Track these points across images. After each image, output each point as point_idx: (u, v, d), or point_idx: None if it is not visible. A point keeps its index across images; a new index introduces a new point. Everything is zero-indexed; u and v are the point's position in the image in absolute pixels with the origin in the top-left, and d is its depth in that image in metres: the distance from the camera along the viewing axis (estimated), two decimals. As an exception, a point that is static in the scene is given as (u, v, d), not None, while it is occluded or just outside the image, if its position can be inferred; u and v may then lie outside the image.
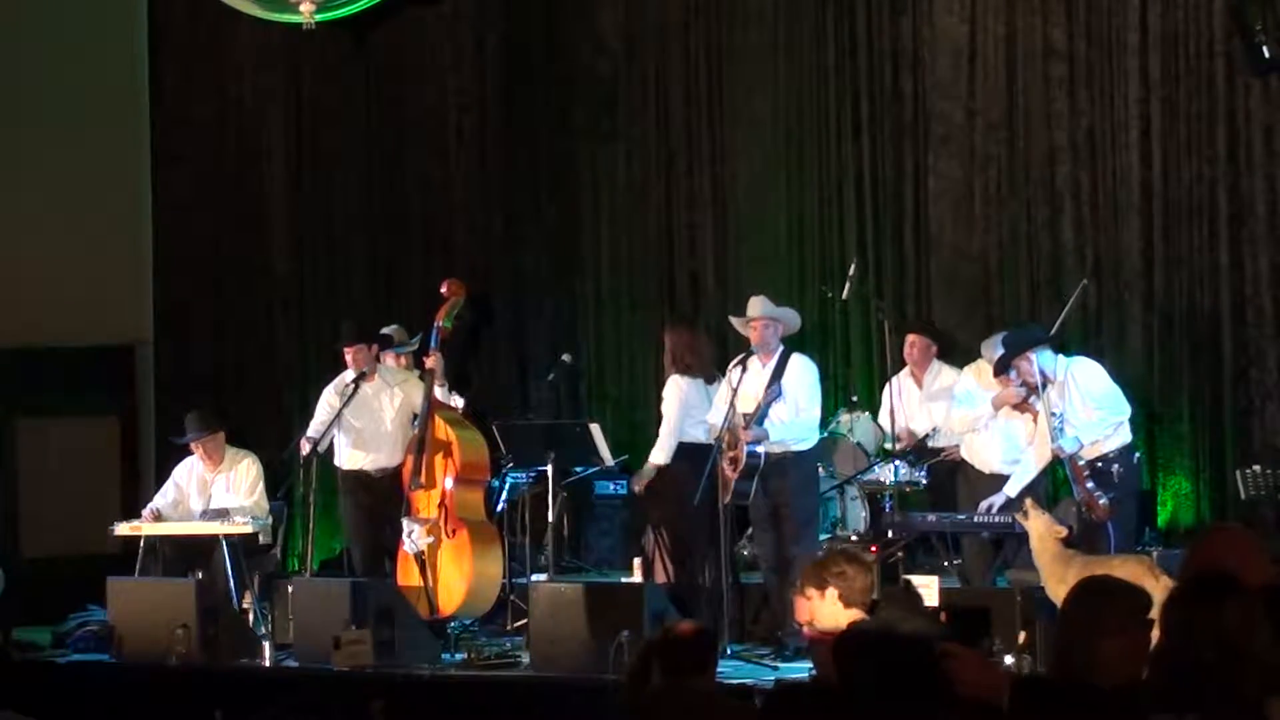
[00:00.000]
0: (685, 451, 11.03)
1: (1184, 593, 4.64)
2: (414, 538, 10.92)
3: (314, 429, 11.59)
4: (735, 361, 10.79)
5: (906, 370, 11.66)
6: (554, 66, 13.96)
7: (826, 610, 6.79)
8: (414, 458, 11.11)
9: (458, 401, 11.84)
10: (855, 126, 12.80)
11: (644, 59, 13.65)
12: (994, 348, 10.61)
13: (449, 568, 10.94)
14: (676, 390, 11.09)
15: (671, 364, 11.21)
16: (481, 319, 13.51)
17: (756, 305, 10.91)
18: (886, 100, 12.70)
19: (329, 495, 12.80)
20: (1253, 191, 11.53)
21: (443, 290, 11.59)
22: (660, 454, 11.12)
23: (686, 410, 11.06)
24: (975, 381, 10.84)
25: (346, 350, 11.64)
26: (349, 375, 11.64)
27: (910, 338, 11.69)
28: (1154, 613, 4.68)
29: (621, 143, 13.71)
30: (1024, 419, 10.51)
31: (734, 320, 11.10)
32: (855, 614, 6.77)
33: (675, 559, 11.09)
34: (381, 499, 11.40)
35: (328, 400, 11.67)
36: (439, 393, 11.42)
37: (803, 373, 10.77)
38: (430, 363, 11.38)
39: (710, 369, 11.18)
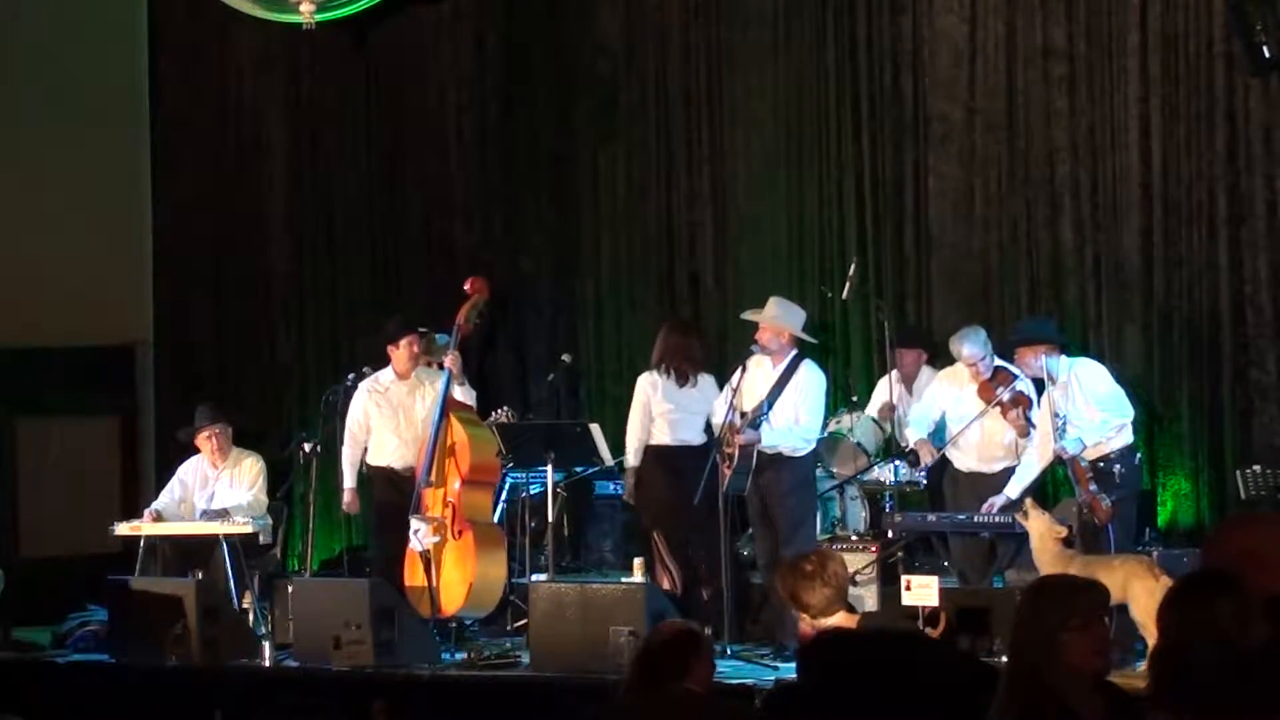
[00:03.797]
0: (652, 454, 11.04)
1: (1179, 591, 4.65)
2: (420, 536, 10.92)
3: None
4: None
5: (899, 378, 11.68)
6: (554, 66, 13.96)
7: (805, 623, 6.77)
8: (425, 456, 11.09)
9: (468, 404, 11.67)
10: (855, 126, 12.80)
11: (644, 59, 13.65)
12: (961, 341, 10.60)
13: (452, 568, 10.93)
14: (639, 390, 11.15)
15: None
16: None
17: (766, 309, 10.91)
18: (886, 100, 12.70)
19: (329, 495, 12.81)
20: (1252, 191, 11.53)
21: (466, 288, 11.52)
22: (629, 456, 11.16)
23: (646, 410, 11.07)
24: (946, 384, 10.85)
25: (403, 342, 11.49)
26: (383, 375, 11.57)
27: (901, 353, 11.72)
28: (1154, 613, 4.69)
29: (621, 143, 13.71)
30: (997, 414, 10.52)
31: (747, 316, 11.12)
32: (830, 621, 6.73)
33: (675, 562, 11.08)
34: (405, 496, 11.36)
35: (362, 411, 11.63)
36: (457, 391, 11.36)
37: (809, 383, 10.75)
38: (448, 362, 11.31)
39: (684, 367, 11.10)
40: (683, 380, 11.08)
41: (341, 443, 11.81)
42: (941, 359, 11.51)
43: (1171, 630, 4.54)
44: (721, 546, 10.75)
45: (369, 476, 11.76)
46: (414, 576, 11.02)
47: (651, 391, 11.11)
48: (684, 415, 11.09)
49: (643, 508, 11.27)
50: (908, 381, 11.69)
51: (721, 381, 11.10)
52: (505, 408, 12.08)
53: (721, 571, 10.72)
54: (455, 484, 10.98)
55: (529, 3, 14.12)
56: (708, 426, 11.12)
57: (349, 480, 11.57)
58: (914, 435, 10.89)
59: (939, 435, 10.89)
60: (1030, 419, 10.38)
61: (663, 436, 11.09)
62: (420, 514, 10.98)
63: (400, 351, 11.53)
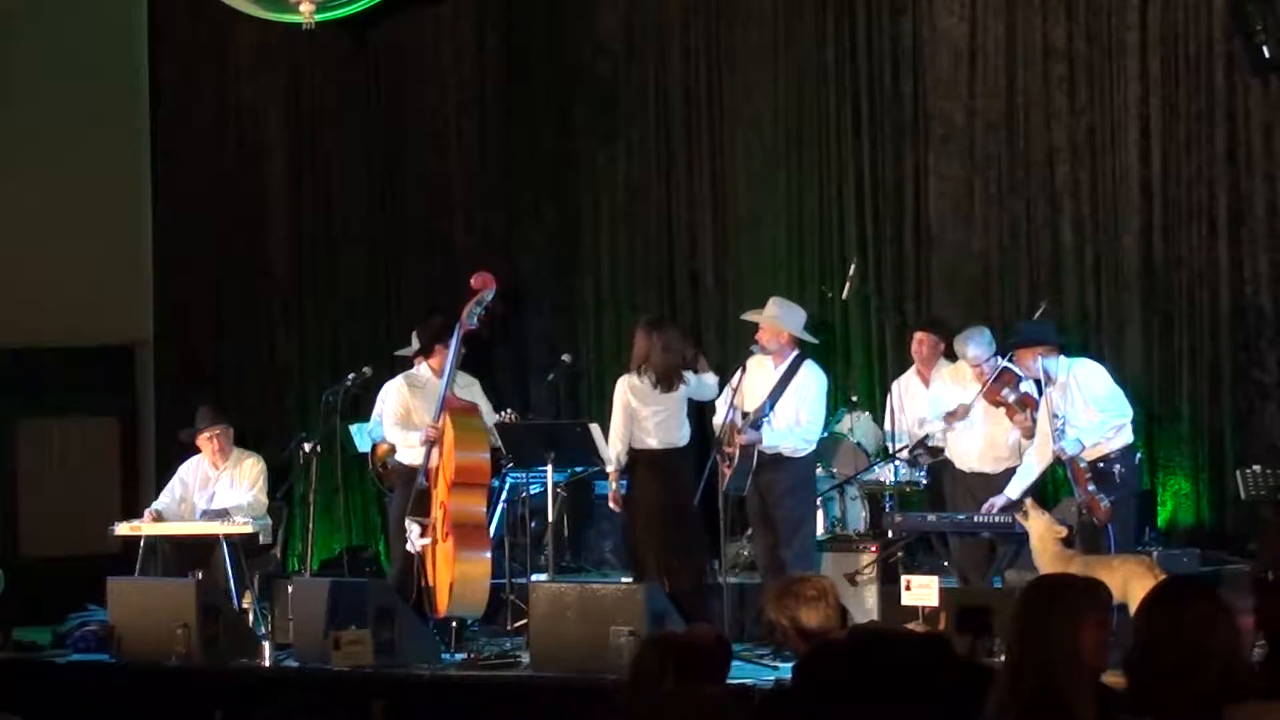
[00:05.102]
0: (641, 459, 10.97)
1: (1152, 594, 4.68)
2: (413, 537, 10.92)
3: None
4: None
5: (913, 369, 11.64)
6: (554, 66, 13.96)
7: (795, 639, 6.75)
8: (424, 457, 11.07)
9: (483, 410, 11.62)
10: (855, 126, 12.80)
11: (644, 59, 13.66)
12: (966, 342, 10.61)
13: (441, 569, 10.91)
14: (619, 394, 11.00)
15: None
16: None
17: (766, 310, 10.90)
18: (886, 100, 12.70)
19: (329, 495, 12.81)
20: (1253, 191, 11.53)
21: (472, 283, 11.42)
22: (611, 461, 11.03)
23: (628, 413, 10.95)
24: (949, 383, 10.86)
25: (437, 350, 11.36)
26: (421, 371, 11.53)
27: (918, 335, 11.63)
28: None
29: (621, 143, 13.71)
30: (1000, 415, 10.53)
31: (747, 317, 11.10)
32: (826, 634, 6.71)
33: (668, 565, 11.02)
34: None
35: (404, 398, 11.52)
36: (458, 390, 11.30)
37: (810, 384, 10.72)
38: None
39: (668, 370, 10.94)
40: (667, 386, 10.95)
41: (361, 443, 11.85)
42: (951, 353, 11.50)
43: (1142, 632, 4.56)
44: (721, 546, 10.75)
45: (392, 470, 11.75)
46: (419, 576, 11.03)
47: (632, 395, 10.98)
48: (668, 416, 10.97)
49: (634, 513, 11.16)
50: (924, 368, 11.57)
51: (723, 380, 11.06)
52: (508, 409, 12.05)
53: (724, 573, 10.73)
54: (445, 486, 10.94)
55: (529, 3, 14.12)
56: (693, 422, 11.11)
57: (414, 439, 11.27)
58: (920, 432, 10.90)
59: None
60: (1035, 419, 10.39)
61: (650, 440, 10.93)
62: (414, 516, 10.98)
63: (430, 361, 11.48)
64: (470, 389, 11.47)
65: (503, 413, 11.88)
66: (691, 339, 11.92)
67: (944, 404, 10.81)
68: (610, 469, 11.05)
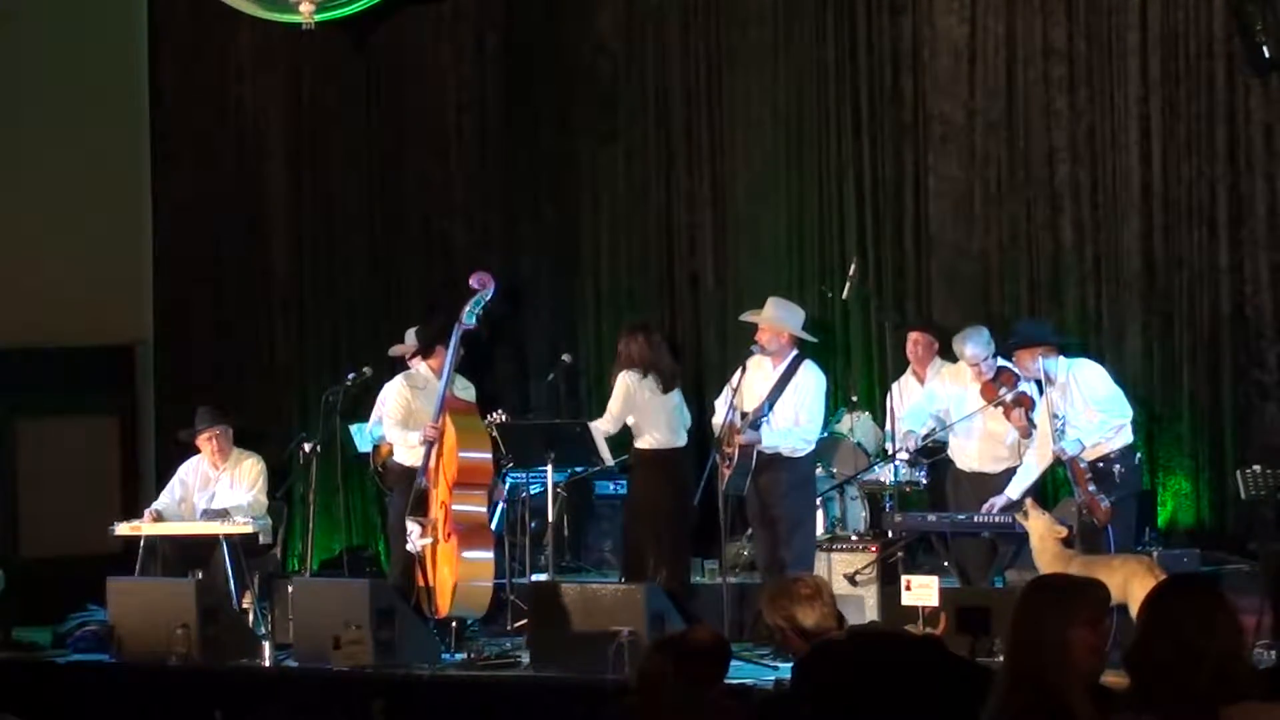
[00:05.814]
0: (648, 459, 10.97)
1: (1153, 592, 4.68)
2: (413, 538, 10.92)
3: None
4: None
5: (909, 369, 11.67)
6: (554, 66, 13.96)
7: (793, 639, 6.74)
8: (424, 457, 11.07)
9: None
10: (855, 126, 12.80)
11: (644, 59, 13.65)
12: (964, 341, 10.61)
13: (443, 569, 10.91)
14: (629, 386, 11.00)
15: (622, 363, 11.14)
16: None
17: (765, 310, 10.90)
18: (886, 100, 12.70)
19: (329, 495, 12.80)
20: (1253, 191, 11.53)
21: (471, 283, 11.42)
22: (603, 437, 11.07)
23: (631, 405, 10.97)
24: (949, 383, 10.85)
25: (438, 351, 11.41)
26: (421, 369, 11.52)
27: (913, 335, 11.70)
28: None
29: (621, 143, 13.71)
30: (1000, 414, 10.54)
31: (745, 318, 11.10)
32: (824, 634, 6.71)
33: (671, 565, 11.02)
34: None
35: (405, 398, 11.53)
36: (456, 391, 11.29)
37: (809, 384, 10.73)
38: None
39: (669, 377, 11.03)
40: (668, 387, 11.00)
41: (362, 446, 11.88)
42: (946, 353, 11.49)
43: (1142, 629, 4.57)
44: (721, 546, 10.75)
45: (390, 470, 11.75)
46: (418, 576, 11.02)
47: (642, 390, 11.01)
48: (669, 416, 11.02)
49: (633, 512, 11.17)
50: (919, 367, 11.61)
51: (721, 381, 11.07)
52: (500, 410, 12.03)
53: (724, 573, 10.72)
54: (447, 486, 10.94)
55: (529, 3, 14.12)
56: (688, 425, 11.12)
57: (414, 439, 11.30)
58: (902, 428, 10.89)
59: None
60: (1032, 419, 10.39)
61: (650, 440, 11.00)
62: (414, 516, 10.97)
63: (430, 363, 11.48)
64: (467, 393, 11.46)
65: (494, 413, 11.86)
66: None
67: (939, 401, 10.82)
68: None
